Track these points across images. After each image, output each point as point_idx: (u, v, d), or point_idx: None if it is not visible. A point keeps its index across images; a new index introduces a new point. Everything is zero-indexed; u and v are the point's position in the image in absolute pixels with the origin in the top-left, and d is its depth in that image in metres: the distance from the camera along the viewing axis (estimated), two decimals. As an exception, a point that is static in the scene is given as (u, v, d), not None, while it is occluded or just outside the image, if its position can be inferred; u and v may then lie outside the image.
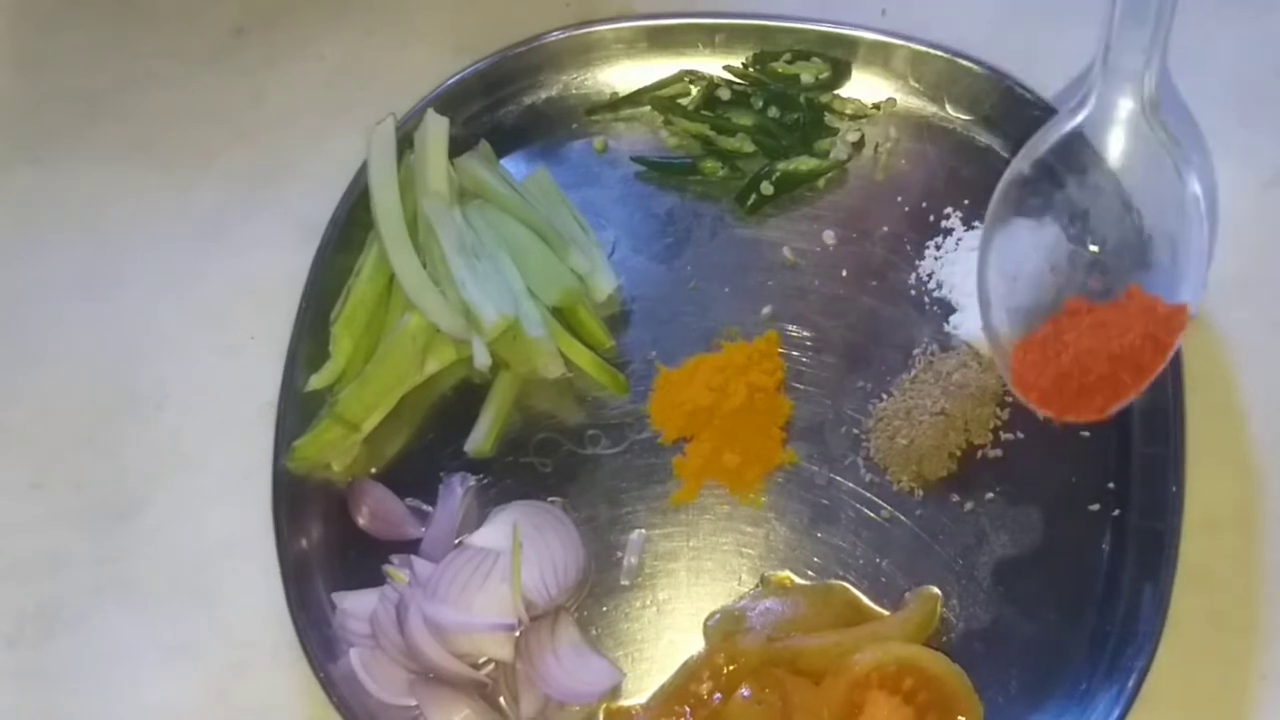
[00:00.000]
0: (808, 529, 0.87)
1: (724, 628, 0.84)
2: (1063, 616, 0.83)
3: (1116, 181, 0.77)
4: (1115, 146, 0.77)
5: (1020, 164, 0.79)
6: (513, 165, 0.99)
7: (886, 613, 0.84)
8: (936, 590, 0.84)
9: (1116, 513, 0.85)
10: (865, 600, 0.85)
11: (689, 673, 0.83)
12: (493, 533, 0.84)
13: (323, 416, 0.89)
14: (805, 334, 0.92)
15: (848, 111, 0.98)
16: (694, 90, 1.00)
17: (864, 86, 0.99)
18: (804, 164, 0.96)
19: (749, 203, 0.96)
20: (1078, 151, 0.77)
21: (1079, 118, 0.77)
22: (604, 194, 0.98)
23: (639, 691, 0.84)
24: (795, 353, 0.92)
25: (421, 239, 0.91)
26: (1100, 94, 0.76)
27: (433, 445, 0.91)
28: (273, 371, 0.91)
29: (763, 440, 0.89)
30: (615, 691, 0.84)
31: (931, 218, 0.95)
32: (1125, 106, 0.76)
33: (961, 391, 0.87)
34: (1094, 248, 0.77)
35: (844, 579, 0.86)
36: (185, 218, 1.02)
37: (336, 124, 1.03)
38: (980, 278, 0.79)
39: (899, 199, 0.96)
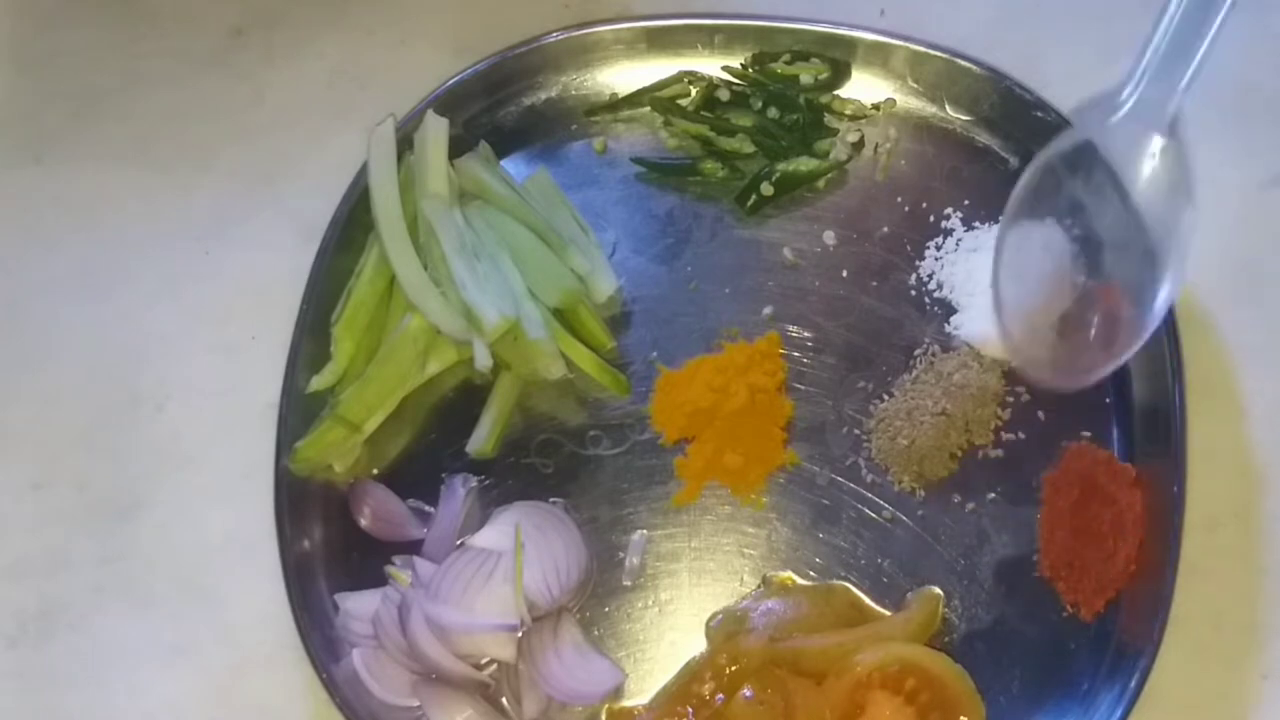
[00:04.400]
0: (809, 529, 0.87)
1: (726, 628, 0.84)
2: (1064, 617, 0.83)
3: (1121, 189, 0.78)
4: (1128, 157, 0.78)
5: (1033, 170, 0.79)
6: (513, 166, 0.99)
7: (888, 613, 0.85)
8: (938, 590, 0.85)
9: (1117, 512, 0.85)
10: (867, 601, 0.85)
11: (691, 673, 0.83)
12: (495, 533, 0.84)
13: (324, 417, 0.89)
14: (806, 334, 0.92)
15: (847, 112, 0.98)
16: (693, 91, 1.00)
17: (863, 87, 0.99)
18: (804, 164, 0.96)
19: (749, 203, 0.96)
20: (1088, 159, 0.78)
21: (1097, 129, 0.78)
22: (604, 195, 0.98)
23: (641, 692, 0.84)
24: (796, 353, 0.92)
25: (422, 240, 0.91)
26: (1127, 112, 0.76)
27: (434, 446, 0.91)
28: (273, 372, 0.91)
29: (764, 441, 0.89)
30: (617, 692, 0.84)
31: (931, 218, 0.95)
32: (1146, 125, 0.76)
33: (962, 392, 0.88)
34: (1090, 252, 0.81)
35: (846, 579, 0.86)
36: (185, 218, 1.02)
37: (336, 124, 1.03)
38: (995, 280, 0.80)
39: (899, 199, 0.96)
